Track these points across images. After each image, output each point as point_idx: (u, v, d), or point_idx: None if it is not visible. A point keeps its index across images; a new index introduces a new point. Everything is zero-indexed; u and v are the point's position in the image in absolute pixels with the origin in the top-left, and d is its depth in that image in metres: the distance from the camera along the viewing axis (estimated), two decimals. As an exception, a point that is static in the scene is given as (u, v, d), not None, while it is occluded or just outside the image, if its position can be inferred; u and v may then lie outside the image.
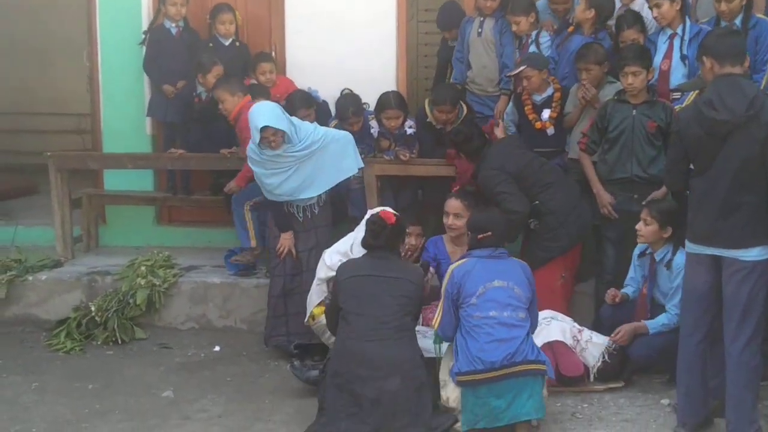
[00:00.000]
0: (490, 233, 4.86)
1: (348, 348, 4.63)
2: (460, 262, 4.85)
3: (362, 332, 4.60)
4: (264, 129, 5.49)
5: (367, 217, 5.20)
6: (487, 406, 4.52)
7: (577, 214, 5.77)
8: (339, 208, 6.29)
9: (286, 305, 5.79)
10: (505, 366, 4.48)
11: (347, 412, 4.51)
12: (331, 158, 5.76)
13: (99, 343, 6.15)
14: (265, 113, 5.58)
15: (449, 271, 4.81)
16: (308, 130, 5.75)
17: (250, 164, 5.76)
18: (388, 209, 5.27)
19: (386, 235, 4.91)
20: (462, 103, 6.57)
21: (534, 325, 4.78)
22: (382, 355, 4.51)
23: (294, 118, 5.79)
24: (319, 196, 5.84)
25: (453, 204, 5.65)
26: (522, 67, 6.16)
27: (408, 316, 4.67)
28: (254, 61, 6.90)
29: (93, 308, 6.26)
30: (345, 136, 5.93)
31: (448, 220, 5.66)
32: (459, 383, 4.59)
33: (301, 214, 5.83)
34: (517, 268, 4.79)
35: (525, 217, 5.70)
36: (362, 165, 6.03)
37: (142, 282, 6.40)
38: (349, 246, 5.36)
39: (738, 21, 5.74)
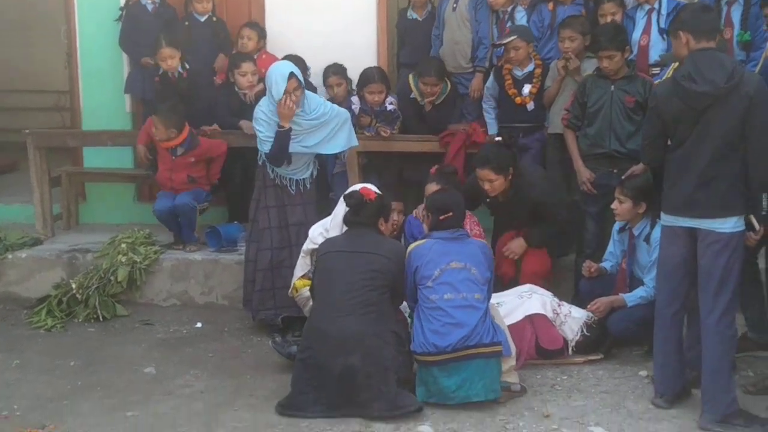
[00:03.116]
0: (451, 213, 4.87)
1: (314, 324, 4.66)
2: (419, 242, 4.87)
3: (327, 308, 4.62)
4: (291, 76, 5.48)
5: (346, 193, 5.21)
6: (438, 385, 4.57)
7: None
8: (322, 191, 6.30)
9: (273, 279, 5.79)
10: (457, 350, 4.51)
11: (313, 386, 4.55)
12: (335, 131, 5.77)
13: (80, 320, 6.14)
14: (291, 65, 5.63)
15: (408, 250, 4.84)
16: (318, 101, 5.77)
17: (255, 125, 5.73)
18: (370, 186, 5.28)
19: (366, 211, 4.91)
20: (446, 79, 6.57)
21: (489, 297, 4.79)
22: (344, 332, 4.51)
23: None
24: (311, 172, 5.86)
25: (431, 188, 5.65)
26: (513, 37, 6.18)
27: (375, 291, 4.62)
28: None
29: (74, 286, 6.25)
30: (345, 112, 5.96)
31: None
32: (416, 361, 4.64)
33: (293, 188, 5.83)
34: (476, 249, 4.80)
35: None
36: (357, 143, 6.03)
37: (123, 259, 6.39)
38: (329, 222, 5.39)
39: None
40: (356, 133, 6.49)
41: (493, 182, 5.50)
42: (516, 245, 5.45)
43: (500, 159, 5.50)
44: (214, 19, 7.09)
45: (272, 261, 5.80)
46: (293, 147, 5.66)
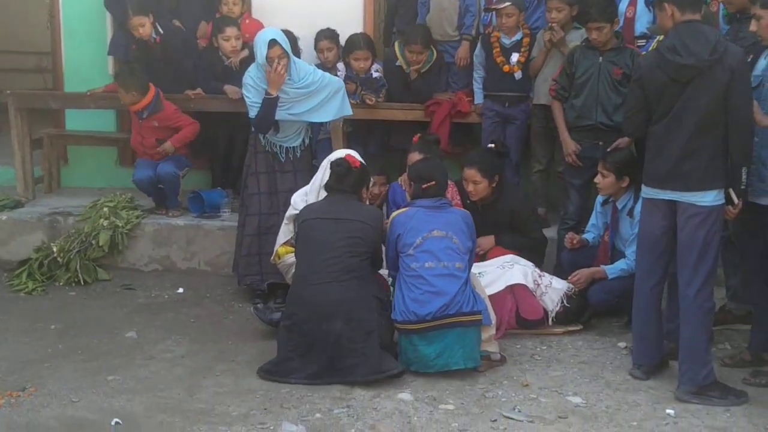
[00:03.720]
0: (434, 182, 4.87)
1: (296, 290, 4.67)
2: (401, 210, 4.88)
3: (309, 275, 4.63)
4: (272, 44, 5.46)
5: (331, 158, 5.19)
6: (418, 353, 4.60)
7: None
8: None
9: (260, 244, 5.78)
10: (437, 318, 4.54)
11: (297, 352, 4.56)
12: (326, 100, 5.74)
13: (61, 284, 6.13)
14: (275, 31, 5.61)
15: (391, 218, 4.85)
16: (308, 70, 5.73)
17: (244, 90, 5.71)
18: (353, 152, 5.26)
19: (351, 178, 4.90)
20: (432, 47, 6.53)
21: (470, 267, 4.81)
22: (325, 298, 4.53)
23: (294, 57, 5.74)
24: (303, 140, 5.83)
25: (414, 157, 5.64)
26: (507, 3, 6.15)
27: (356, 257, 4.64)
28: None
29: (55, 249, 6.22)
30: (339, 81, 5.92)
31: None
32: (396, 329, 4.67)
33: (283, 155, 5.82)
34: (458, 218, 4.82)
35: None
36: (352, 112, 6.00)
37: (105, 223, 6.36)
38: (309, 187, 5.38)
39: None
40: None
41: (477, 184, 5.52)
42: (485, 241, 5.47)
43: (489, 164, 5.55)
44: None
45: (260, 227, 5.79)
46: (281, 114, 5.64)
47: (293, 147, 5.82)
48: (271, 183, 5.82)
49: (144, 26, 6.59)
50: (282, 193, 5.79)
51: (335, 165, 4.95)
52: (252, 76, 5.65)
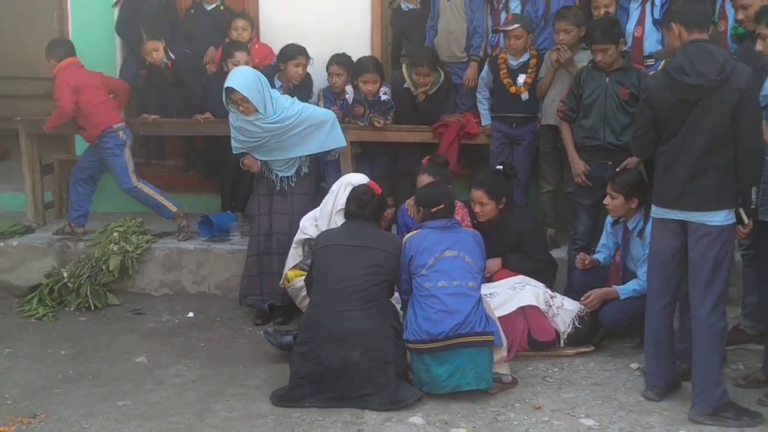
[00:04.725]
0: (442, 206, 4.89)
1: (313, 318, 4.64)
2: (413, 232, 4.90)
3: (328, 302, 4.60)
4: (230, 91, 5.51)
5: (344, 182, 5.20)
6: (430, 374, 4.58)
7: None
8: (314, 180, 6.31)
9: (260, 265, 5.80)
10: (450, 337, 4.52)
11: (311, 379, 4.53)
12: (306, 134, 5.75)
13: (72, 309, 6.14)
14: (235, 77, 5.61)
15: (403, 241, 4.85)
16: (283, 105, 5.73)
17: (231, 128, 5.74)
18: (363, 177, 5.28)
19: (372, 205, 4.92)
20: (440, 69, 6.56)
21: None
22: (345, 326, 4.50)
23: (274, 91, 5.79)
24: (299, 167, 5.85)
25: (423, 180, 5.63)
26: (516, 25, 6.17)
27: (377, 286, 4.63)
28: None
29: (65, 274, 6.23)
30: (326, 115, 5.91)
31: None
32: (408, 350, 4.65)
33: (278, 184, 5.85)
34: (468, 238, 4.83)
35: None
36: (344, 144, 6.00)
37: (115, 248, 6.37)
38: (319, 211, 5.39)
39: None
40: (350, 123, 6.53)
41: (484, 206, 5.53)
42: (492, 263, 5.46)
43: (496, 185, 5.58)
44: (222, 8, 7.07)
45: (259, 247, 5.82)
46: (258, 154, 5.74)
47: (286, 177, 5.85)
48: (269, 205, 5.86)
49: (158, 51, 6.66)
50: (275, 215, 5.82)
51: (360, 192, 4.96)
52: (233, 116, 5.74)
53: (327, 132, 5.82)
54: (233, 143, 5.80)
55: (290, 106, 5.75)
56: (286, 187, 5.85)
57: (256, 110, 5.58)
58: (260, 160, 5.79)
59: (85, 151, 6.79)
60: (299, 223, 5.53)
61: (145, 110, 6.98)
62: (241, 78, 5.59)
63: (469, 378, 4.57)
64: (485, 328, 4.60)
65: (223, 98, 5.63)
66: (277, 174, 5.83)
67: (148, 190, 6.54)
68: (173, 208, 6.58)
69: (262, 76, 5.72)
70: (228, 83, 5.55)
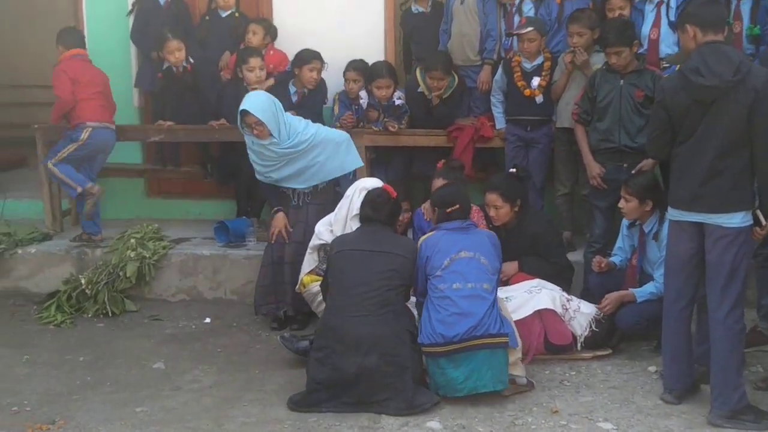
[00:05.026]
0: (458, 206, 4.89)
1: (329, 323, 4.64)
2: (428, 234, 4.90)
3: (344, 307, 4.60)
4: (245, 114, 5.54)
5: (359, 186, 5.20)
6: (446, 377, 4.57)
7: None
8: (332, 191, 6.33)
9: (274, 274, 5.81)
10: (464, 340, 4.51)
11: (328, 384, 4.53)
12: (322, 157, 5.79)
13: (89, 315, 6.17)
14: (251, 100, 5.66)
15: (419, 243, 4.85)
16: (297, 129, 5.76)
17: (248, 149, 5.79)
18: (378, 181, 5.28)
19: (387, 208, 4.93)
20: (454, 73, 6.56)
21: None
22: (361, 332, 4.49)
23: (287, 115, 5.81)
24: (317, 184, 5.86)
25: (438, 184, 5.62)
26: (529, 29, 6.17)
27: (393, 291, 4.63)
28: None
29: (83, 281, 6.26)
30: (340, 136, 5.94)
31: None
32: (423, 353, 4.64)
33: (294, 198, 5.88)
34: (484, 239, 4.82)
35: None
36: (361, 164, 6.03)
37: (132, 254, 6.40)
38: (334, 216, 5.40)
39: None
40: (364, 128, 6.54)
41: (498, 209, 5.54)
42: (508, 267, 5.44)
43: (510, 188, 5.59)
44: (237, 14, 7.09)
45: (273, 256, 5.83)
46: (292, 183, 5.82)
47: (304, 192, 5.88)
48: (285, 214, 5.87)
49: (180, 51, 6.72)
50: (291, 223, 5.83)
51: (375, 195, 4.97)
52: (248, 138, 5.77)
53: (344, 153, 5.87)
54: (255, 168, 5.84)
55: (304, 129, 5.79)
56: (301, 203, 5.88)
57: (271, 134, 5.62)
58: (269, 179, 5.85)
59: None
60: (314, 228, 5.55)
61: (161, 116, 7.02)
62: (256, 101, 5.64)
63: (485, 380, 4.56)
64: (500, 329, 4.58)
65: (238, 122, 5.67)
66: (293, 189, 5.86)
67: (58, 173, 6.60)
68: (78, 188, 6.59)
69: (276, 100, 5.76)
70: (243, 106, 5.60)
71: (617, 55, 5.57)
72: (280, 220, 5.82)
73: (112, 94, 6.88)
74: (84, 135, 6.55)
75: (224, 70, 6.97)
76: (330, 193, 5.90)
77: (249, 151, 5.81)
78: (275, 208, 5.90)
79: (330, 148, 5.81)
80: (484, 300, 4.61)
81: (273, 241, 5.81)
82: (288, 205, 5.90)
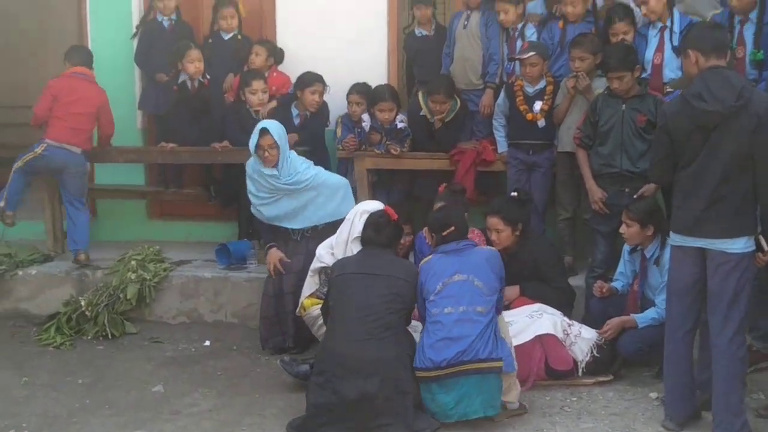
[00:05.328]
0: (453, 228, 4.87)
1: (330, 347, 4.62)
2: (426, 258, 4.89)
3: (345, 331, 4.58)
4: (263, 132, 5.58)
5: (360, 210, 5.19)
6: (437, 402, 4.54)
7: None
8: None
9: (276, 305, 5.79)
10: (452, 365, 4.47)
11: (328, 409, 4.50)
12: (319, 200, 5.84)
13: (89, 337, 6.15)
14: (272, 123, 5.76)
15: (418, 267, 4.84)
16: (298, 167, 5.81)
17: (247, 178, 5.85)
18: (380, 203, 5.28)
19: (389, 231, 4.92)
20: (456, 96, 6.58)
21: (499, 309, 4.76)
22: (362, 355, 4.47)
23: (291, 152, 5.86)
24: (315, 224, 5.89)
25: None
26: (532, 53, 6.18)
27: (394, 314, 4.61)
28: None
29: (83, 303, 6.25)
30: (339, 182, 5.99)
31: None
32: (417, 378, 4.60)
33: (294, 235, 5.91)
34: (481, 259, 4.78)
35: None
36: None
37: (133, 276, 6.39)
38: (335, 239, 5.39)
39: (753, 16, 5.72)
40: (366, 151, 6.55)
41: (500, 233, 5.53)
42: (510, 291, 5.42)
43: (512, 212, 5.56)
44: (239, 37, 7.12)
45: (274, 287, 5.81)
46: (286, 223, 5.85)
47: (301, 230, 5.92)
48: (285, 245, 5.89)
49: (200, 61, 6.73)
50: (291, 254, 5.84)
51: (377, 217, 4.97)
52: (251, 165, 5.82)
53: (340, 199, 5.89)
54: (251, 200, 5.89)
55: (305, 170, 5.83)
56: (300, 237, 5.90)
57: (275, 165, 5.66)
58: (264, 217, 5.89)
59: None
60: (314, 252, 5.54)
61: (164, 138, 7.02)
62: (276, 125, 5.74)
63: (475, 405, 4.52)
64: (491, 353, 4.51)
65: (254, 142, 5.69)
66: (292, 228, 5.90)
67: (9, 179, 6.67)
68: (1, 203, 6.65)
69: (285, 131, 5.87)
70: (263, 124, 5.67)
71: (619, 80, 5.59)
72: (273, 255, 5.82)
73: (113, 115, 6.89)
74: (39, 149, 6.60)
75: (228, 93, 6.99)
76: (332, 232, 5.82)
77: (247, 180, 5.84)
78: (268, 245, 5.91)
79: (326, 192, 5.87)
80: (475, 323, 4.56)
81: (272, 272, 5.81)
82: (286, 239, 5.90)
